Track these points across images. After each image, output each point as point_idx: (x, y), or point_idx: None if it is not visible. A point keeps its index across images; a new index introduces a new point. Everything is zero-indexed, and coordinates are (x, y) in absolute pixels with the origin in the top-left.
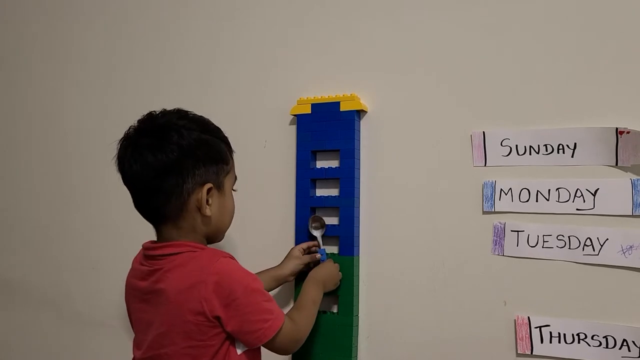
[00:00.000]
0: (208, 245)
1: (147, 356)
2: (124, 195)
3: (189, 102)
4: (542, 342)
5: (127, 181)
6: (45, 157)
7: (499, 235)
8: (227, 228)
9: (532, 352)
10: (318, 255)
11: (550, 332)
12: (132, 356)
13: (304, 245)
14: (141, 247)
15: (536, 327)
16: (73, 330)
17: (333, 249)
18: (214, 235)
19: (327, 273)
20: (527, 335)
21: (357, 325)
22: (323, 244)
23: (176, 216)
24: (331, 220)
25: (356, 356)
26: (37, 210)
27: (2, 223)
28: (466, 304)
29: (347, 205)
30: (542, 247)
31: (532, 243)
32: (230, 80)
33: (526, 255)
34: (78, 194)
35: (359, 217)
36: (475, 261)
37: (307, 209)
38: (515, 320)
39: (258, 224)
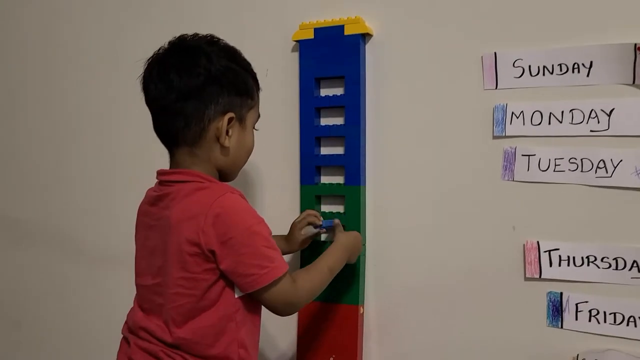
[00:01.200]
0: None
1: (147, 284)
2: (136, 129)
3: (185, 31)
4: (550, 265)
5: (149, 101)
6: (49, 98)
7: (509, 160)
8: (243, 165)
9: (540, 276)
10: (323, 230)
11: (560, 256)
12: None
13: (304, 222)
14: (157, 175)
15: (545, 251)
16: (80, 267)
17: (339, 179)
18: (229, 170)
19: (354, 242)
20: (535, 259)
21: (365, 254)
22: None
23: (193, 142)
24: (337, 150)
25: (364, 284)
26: (44, 149)
27: (7, 162)
28: (474, 229)
29: (352, 133)
30: (554, 171)
31: (544, 167)
32: (228, 5)
33: (537, 180)
34: (87, 132)
35: (364, 146)
36: (485, 187)
37: (312, 138)
38: (524, 245)
39: (263, 156)
